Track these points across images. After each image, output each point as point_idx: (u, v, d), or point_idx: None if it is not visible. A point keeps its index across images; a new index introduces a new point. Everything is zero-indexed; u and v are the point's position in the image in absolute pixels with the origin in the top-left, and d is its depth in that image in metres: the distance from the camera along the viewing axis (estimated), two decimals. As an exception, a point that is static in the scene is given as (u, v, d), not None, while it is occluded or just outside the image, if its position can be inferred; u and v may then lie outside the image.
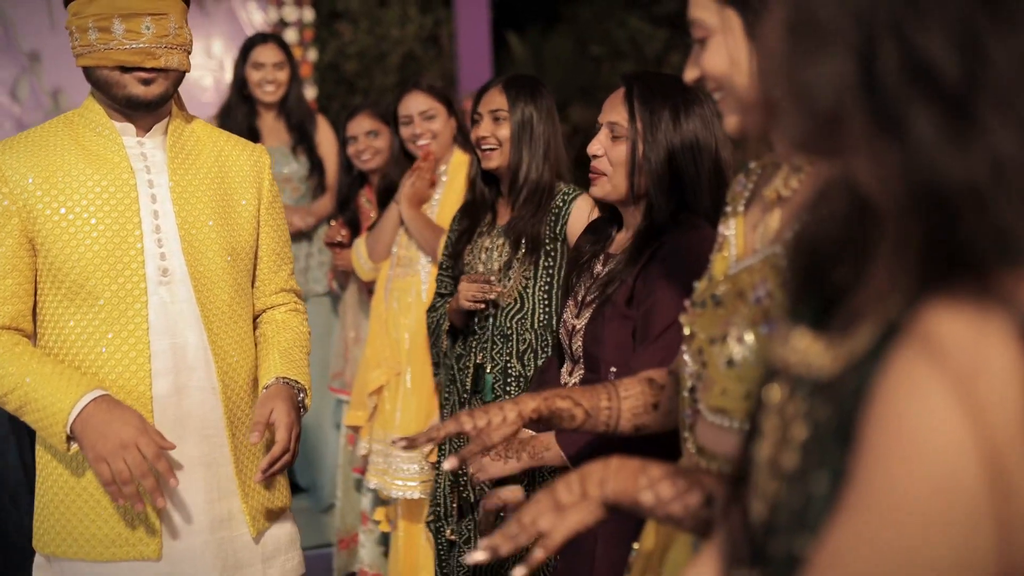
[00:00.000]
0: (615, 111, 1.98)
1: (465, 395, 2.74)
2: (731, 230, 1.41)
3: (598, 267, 2.06)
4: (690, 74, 1.33)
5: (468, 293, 2.70)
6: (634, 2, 11.98)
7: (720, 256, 1.41)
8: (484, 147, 2.78)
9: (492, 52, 7.75)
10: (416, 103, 3.37)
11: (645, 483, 1.22)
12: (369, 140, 3.82)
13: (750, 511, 0.78)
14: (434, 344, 2.99)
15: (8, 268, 1.88)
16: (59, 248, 1.88)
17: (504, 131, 2.74)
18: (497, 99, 2.77)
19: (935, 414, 0.56)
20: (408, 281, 3.34)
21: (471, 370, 2.71)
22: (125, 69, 1.88)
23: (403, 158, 3.48)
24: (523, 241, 2.69)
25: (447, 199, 3.33)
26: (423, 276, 3.31)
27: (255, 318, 2.14)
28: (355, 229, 3.87)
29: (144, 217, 1.93)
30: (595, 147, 1.99)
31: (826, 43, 0.64)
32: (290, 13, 7.17)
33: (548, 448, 1.92)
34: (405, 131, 3.41)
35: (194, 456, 1.95)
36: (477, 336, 2.75)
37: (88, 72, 1.93)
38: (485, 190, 2.87)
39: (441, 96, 3.39)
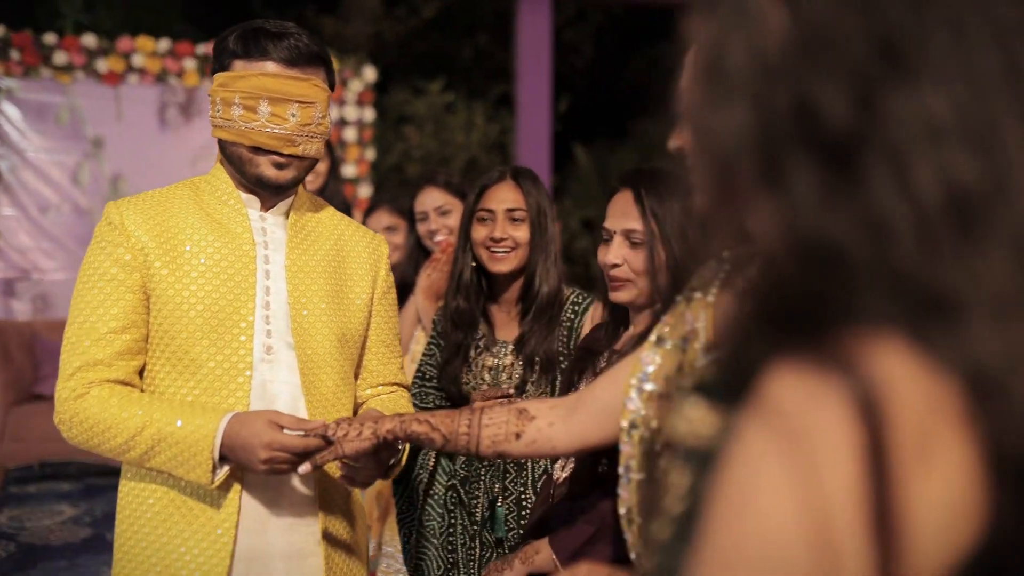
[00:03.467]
0: (629, 218, 1.91)
1: (475, 527, 2.44)
2: (700, 322, 1.34)
3: (602, 364, 1.98)
4: (672, 143, 1.31)
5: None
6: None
7: (691, 347, 1.32)
8: (498, 250, 2.48)
9: (552, 160, 7.76)
10: (432, 199, 3.27)
11: None
12: (387, 236, 3.76)
13: None
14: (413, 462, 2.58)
15: (127, 323, 1.81)
16: (170, 310, 1.82)
17: (522, 233, 2.47)
18: (511, 196, 2.49)
19: (763, 479, 0.55)
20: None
21: (480, 500, 2.43)
22: (261, 151, 1.85)
23: (419, 254, 3.38)
24: (536, 360, 2.42)
25: None
26: None
27: (359, 406, 2.05)
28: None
29: (258, 291, 1.88)
30: (614, 257, 1.92)
31: (730, 90, 0.64)
32: (351, 112, 7.27)
33: (538, 552, 1.84)
34: (422, 227, 3.30)
35: (276, 547, 1.86)
36: (486, 464, 2.43)
37: (222, 144, 1.90)
38: (473, 297, 2.56)
39: (457, 191, 3.27)
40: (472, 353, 2.53)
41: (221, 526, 1.80)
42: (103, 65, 6.85)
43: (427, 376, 2.66)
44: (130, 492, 1.86)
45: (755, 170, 0.61)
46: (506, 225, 2.48)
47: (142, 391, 1.84)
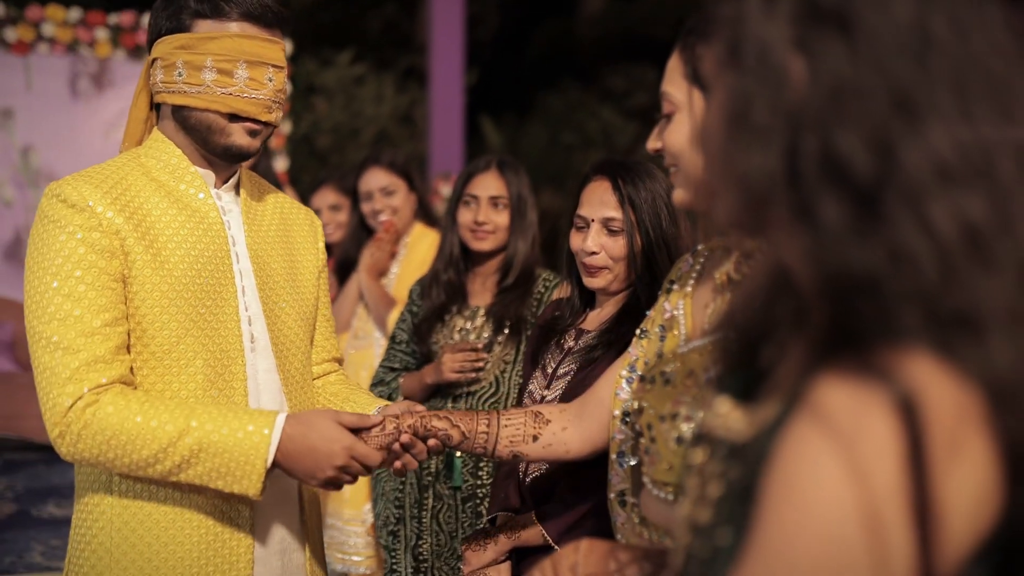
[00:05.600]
0: (607, 206, 1.98)
1: (430, 477, 2.67)
2: (679, 309, 1.44)
3: (569, 342, 2.07)
4: (651, 144, 1.38)
5: (454, 364, 2.63)
6: (607, 95, 12.23)
7: (670, 335, 1.44)
8: (479, 231, 2.77)
9: (465, 135, 7.85)
10: (376, 179, 3.40)
11: (614, 566, 1.25)
12: (332, 214, 3.84)
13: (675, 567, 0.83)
14: None
15: (118, 315, 1.61)
16: (156, 299, 1.64)
17: (503, 218, 2.76)
18: (495, 184, 2.79)
19: (820, 474, 0.62)
20: (363, 354, 3.33)
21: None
22: (237, 118, 1.71)
23: (362, 232, 3.49)
24: (506, 323, 2.67)
25: (405, 272, 3.34)
26: (376, 350, 3.31)
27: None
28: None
29: (236, 276, 1.76)
30: (592, 245, 1.98)
31: (758, 137, 0.70)
32: (267, 85, 7.24)
33: (525, 527, 1.91)
34: (365, 207, 3.43)
35: (274, 542, 1.77)
36: None
37: (182, 112, 1.72)
38: (458, 269, 2.84)
39: (402, 172, 3.42)
40: (446, 316, 2.79)
41: (237, 526, 1.70)
42: (11, 34, 6.69)
43: (397, 339, 2.89)
44: (112, 506, 1.66)
45: (785, 206, 0.69)
46: (488, 210, 2.77)
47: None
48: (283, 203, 1.97)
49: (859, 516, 0.60)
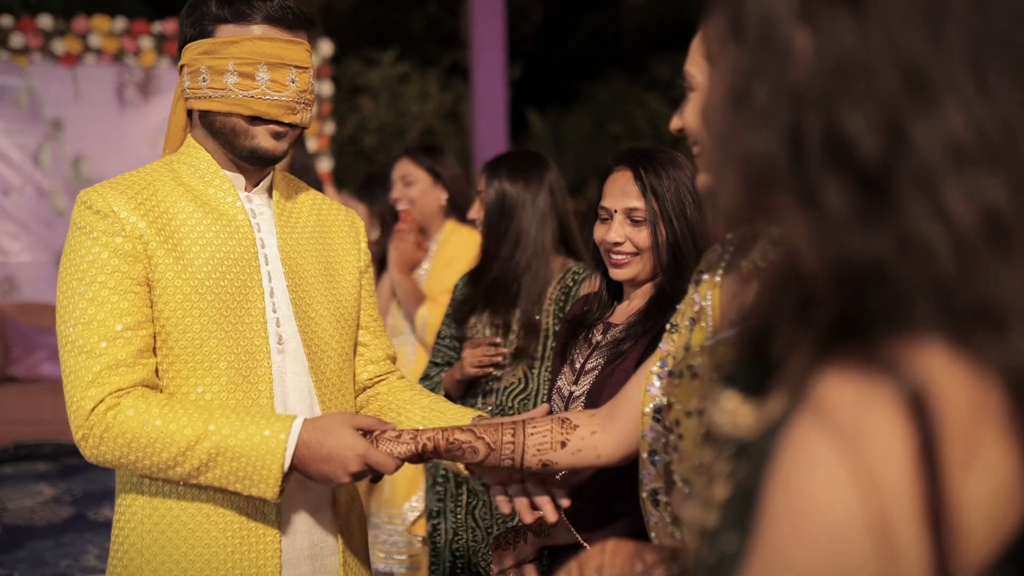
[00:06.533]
0: (629, 196, 1.94)
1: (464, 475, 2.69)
2: (708, 300, 1.40)
3: (597, 336, 2.04)
4: (674, 124, 1.36)
5: (473, 360, 2.59)
6: (653, 84, 12.14)
7: (698, 327, 1.40)
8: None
9: (509, 128, 7.84)
10: (400, 168, 3.43)
11: (640, 568, 1.22)
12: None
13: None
14: None
15: (141, 319, 1.63)
16: (179, 302, 1.66)
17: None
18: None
19: (822, 475, 0.58)
20: (398, 351, 3.33)
21: None
22: (260, 120, 1.71)
23: (392, 223, 3.52)
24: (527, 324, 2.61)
25: (435, 268, 3.33)
26: (410, 347, 3.32)
27: (366, 388, 1.99)
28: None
29: (263, 277, 1.76)
30: (616, 236, 1.94)
31: (759, 115, 0.66)
32: (309, 87, 7.28)
33: (554, 525, 1.85)
34: (391, 195, 3.48)
35: (303, 548, 1.76)
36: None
37: (207, 117, 1.74)
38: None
39: (425, 164, 3.40)
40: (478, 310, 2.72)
41: (264, 530, 1.70)
42: (59, 46, 6.81)
43: (441, 334, 2.85)
44: (143, 507, 1.69)
45: (788, 189, 0.65)
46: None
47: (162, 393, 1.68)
48: (321, 204, 1.96)
49: (865, 520, 0.56)
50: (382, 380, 2.00)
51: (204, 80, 1.70)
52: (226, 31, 1.70)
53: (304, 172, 4.32)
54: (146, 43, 6.96)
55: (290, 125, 1.73)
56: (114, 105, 7.04)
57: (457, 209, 3.37)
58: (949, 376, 0.58)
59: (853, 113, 0.61)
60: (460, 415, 1.83)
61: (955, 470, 0.56)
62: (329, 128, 7.46)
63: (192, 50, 1.72)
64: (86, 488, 5.56)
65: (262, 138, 1.72)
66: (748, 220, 0.73)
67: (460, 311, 2.75)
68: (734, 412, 0.74)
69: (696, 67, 1.32)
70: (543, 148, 11.16)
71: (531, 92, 11.88)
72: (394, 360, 2.06)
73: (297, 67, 1.71)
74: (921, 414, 0.57)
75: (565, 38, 13.06)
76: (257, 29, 1.69)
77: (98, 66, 6.97)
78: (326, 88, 7.37)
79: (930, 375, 0.58)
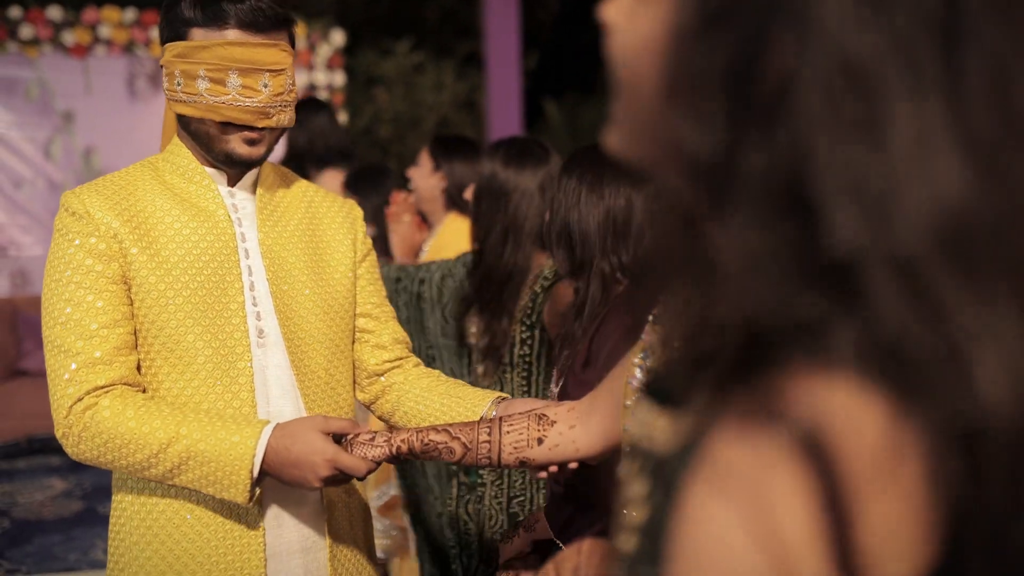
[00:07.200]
0: None
1: (452, 467, 2.66)
2: None
3: (577, 330, 2.01)
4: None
5: None
6: (671, 71, 12.04)
7: None
8: None
9: (524, 117, 7.78)
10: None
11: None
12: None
13: None
14: None
15: (117, 317, 1.65)
16: (155, 298, 1.68)
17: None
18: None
19: (726, 539, 0.54)
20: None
21: None
22: (232, 126, 1.71)
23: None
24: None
25: (430, 257, 3.22)
26: None
27: (380, 375, 1.95)
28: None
29: (242, 271, 1.77)
30: None
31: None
32: (320, 77, 7.25)
33: (538, 520, 1.89)
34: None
35: (293, 542, 1.77)
36: None
37: (183, 119, 1.75)
38: None
39: (432, 150, 3.27)
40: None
41: (248, 525, 1.71)
42: (69, 38, 6.80)
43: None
44: (132, 504, 1.73)
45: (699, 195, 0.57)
46: None
47: (144, 391, 1.71)
48: (313, 196, 1.95)
49: None
50: (397, 367, 1.96)
51: (179, 84, 1.70)
52: (198, 35, 1.69)
53: (333, 156, 4.11)
54: (156, 34, 6.94)
55: (263, 129, 1.73)
56: (125, 97, 7.03)
57: (451, 199, 3.30)
58: (854, 409, 0.52)
59: (686, 118, 0.56)
60: (480, 399, 1.80)
61: (862, 503, 0.52)
62: (342, 118, 7.42)
63: (168, 52, 1.72)
64: (96, 482, 5.55)
65: (235, 144, 1.73)
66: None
67: (459, 308, 2.66)
68: (651, 425, 0.68)
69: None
70: (560, 138, 11.11)
71: (548, 81, 11.81)
72: (408, 345, 2.02)
73: (271, 71, 1.69)
74: (818, 456, 0.52)
75: (582, 26, 12.98)
76: (229, 34, 1.68)
77: (109, 57, 6.95)
78: (338, 78, 7.34)
79: (827, 412, 0.52)
